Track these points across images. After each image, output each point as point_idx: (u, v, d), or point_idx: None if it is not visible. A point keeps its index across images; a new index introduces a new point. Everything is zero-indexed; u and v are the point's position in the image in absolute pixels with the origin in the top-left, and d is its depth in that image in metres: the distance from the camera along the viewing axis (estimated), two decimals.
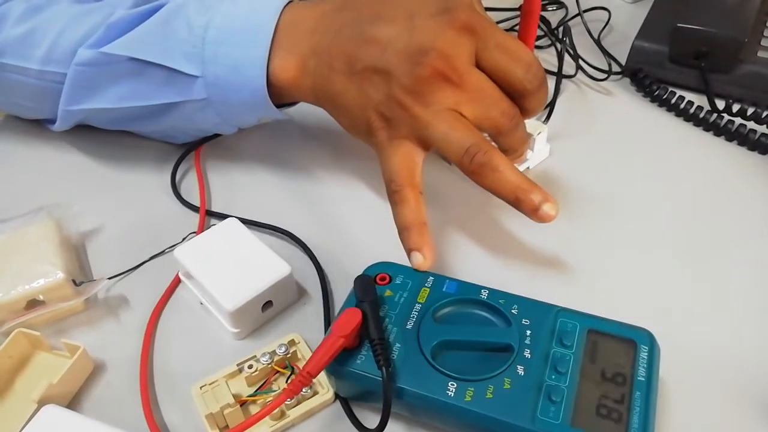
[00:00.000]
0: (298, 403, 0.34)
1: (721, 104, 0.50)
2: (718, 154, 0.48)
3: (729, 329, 0.37)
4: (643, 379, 0.31)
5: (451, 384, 0.31)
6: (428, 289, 0.35)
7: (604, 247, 0.42)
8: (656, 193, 0.45)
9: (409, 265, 0.37)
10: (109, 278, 0.41)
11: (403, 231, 0.37)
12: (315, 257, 0.42)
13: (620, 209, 0.44)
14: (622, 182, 0.46)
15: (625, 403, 0.30)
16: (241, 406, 0.34)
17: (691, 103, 0.51)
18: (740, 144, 0.49)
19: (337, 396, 0.34)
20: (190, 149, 0.50)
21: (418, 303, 0.35)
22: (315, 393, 0.34)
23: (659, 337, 0.32)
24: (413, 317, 0.34)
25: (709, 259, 0.41)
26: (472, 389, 0.30)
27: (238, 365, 0.35)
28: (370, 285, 0.34)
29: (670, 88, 0.53)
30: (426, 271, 0.36)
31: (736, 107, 0.49)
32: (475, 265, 0.41)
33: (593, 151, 0.49)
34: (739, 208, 0.44)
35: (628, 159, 0.48)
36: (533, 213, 0.36)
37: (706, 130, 0.50)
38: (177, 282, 0.41)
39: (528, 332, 0.33)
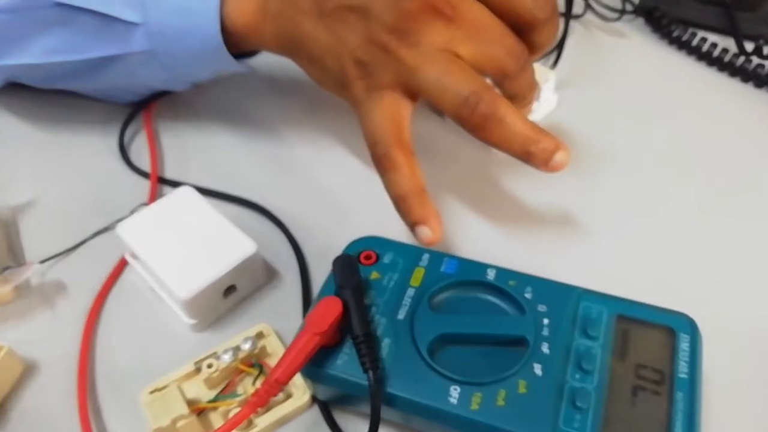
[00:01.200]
0: (269, 409, 0.28)
1: (749, 46, 0.44)
2: (747, 102, 0.43)
3: None
4: (685, 376, 0.25)
5: (454, 389, 0.25)
6: (423, 270, 0.29)
7: (624, 212, 0.36)
8: (679, 147, 0.40)
9: (402, 239, 0.31)
10: (42, 262, 0.34)
11: (399, 202, 0.32)
12: (288, 231, 0.36)
13: (639, 167, 0.39)
14: (640, 135, 0.41)
15: (665, 407, 0.24)
16: (199, 414, 0.28)
17: (714, 45, 0.46)
18: None
19: (315, 399, 0.29)
20: (140, 107, 0.44)
21: (412, 287, 0.29)
22: (288, 396, 0.29)
23: (698, 320, 0.27)
24: (406, 305, 0.28)
25: (745, 222, 0.35)
26: (480, 395, 0.25)
27: (195, 364, 0.30)
28: (352, 267, 0.28)
29: (690, 29, 0.47)
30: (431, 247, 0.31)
31: (767, 49, 0.43)
32: (476, 237, 0.36)
33: (606, 101, 0.44)
34: None
35: (645, 109, 0.43)
36: (543, 165, 0.31)
37: (732, 75, 0.45)
38: (124, 264, 0.35)
39: (545, 321, 0.27)
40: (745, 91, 0.44)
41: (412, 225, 0.31)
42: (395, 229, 0.32)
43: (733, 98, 0.43)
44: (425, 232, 0.31)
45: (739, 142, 0.40)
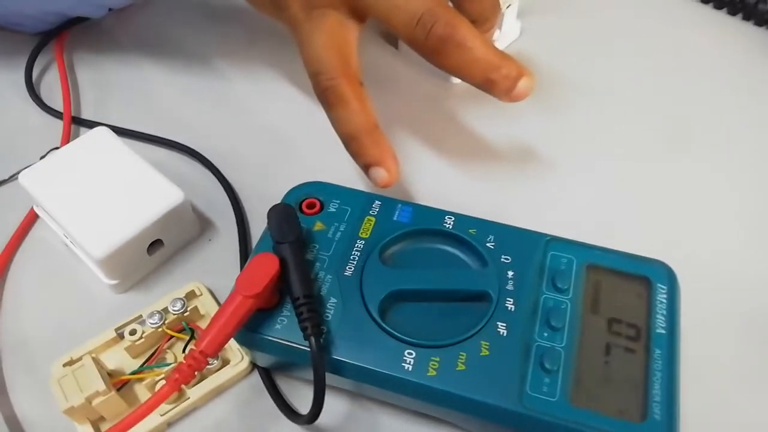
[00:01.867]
0: (202, 378, 0.25)
1: None
2: (720, 30, 0.40)
3: (755, 248, 0.29)
4: (663, 331, 0.23)
5: (409, 353, 0.22)
6: (374, 219, 0.26)
7: (593, 150, 0.33)
8: (652, 81, 0.37)
9: (356, 183, 0.28)
10: None
11: (350, 142, 0.28)
12: (224, 177, 0.32)
13: (608, 101, 0.36)
14: (610, 67, 0.38)
15: (642, 366, 0.22)
16: (121, 388, 0.25)
17: None
18: (745, 18, 0.41)
19: (255, 365, 0.26)
20: (51, 37, 0.38)
21: (361, 239, 0.25)
22: (225, 363, 0.25)
23: (674, 265, 0.25)
24: (354, 260, 0.25)
25: (719, 159, 0.33)
26: (438, 359, 0.22)
27: (116, 330, 0.26)
28: (290, 218, 0.25)
29: None
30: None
31: None
32: (434, 180, 0.32)
33: (573, 30, 0.40)
34: (748, 95, 0.36)
35: (615, 38, 0.39)
36: (506, 95, 0.27)
37: (705, 1, 0.42)
38: (33, 218, 0.30)
39: (510, 273, 0.24)
40: (718, 18, 0.40)
41: (365, 167, 0.28)
42: (347, 172, 0.28)
43: (705, 26, 0.40)
44: (380, 173, 0.28)
45: (719, 76, 0.37)
